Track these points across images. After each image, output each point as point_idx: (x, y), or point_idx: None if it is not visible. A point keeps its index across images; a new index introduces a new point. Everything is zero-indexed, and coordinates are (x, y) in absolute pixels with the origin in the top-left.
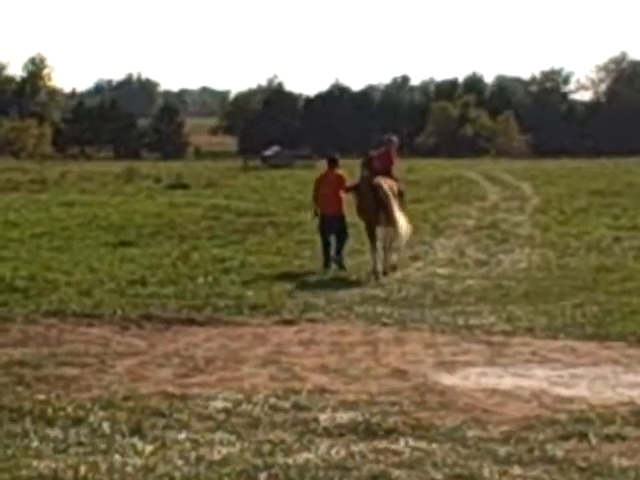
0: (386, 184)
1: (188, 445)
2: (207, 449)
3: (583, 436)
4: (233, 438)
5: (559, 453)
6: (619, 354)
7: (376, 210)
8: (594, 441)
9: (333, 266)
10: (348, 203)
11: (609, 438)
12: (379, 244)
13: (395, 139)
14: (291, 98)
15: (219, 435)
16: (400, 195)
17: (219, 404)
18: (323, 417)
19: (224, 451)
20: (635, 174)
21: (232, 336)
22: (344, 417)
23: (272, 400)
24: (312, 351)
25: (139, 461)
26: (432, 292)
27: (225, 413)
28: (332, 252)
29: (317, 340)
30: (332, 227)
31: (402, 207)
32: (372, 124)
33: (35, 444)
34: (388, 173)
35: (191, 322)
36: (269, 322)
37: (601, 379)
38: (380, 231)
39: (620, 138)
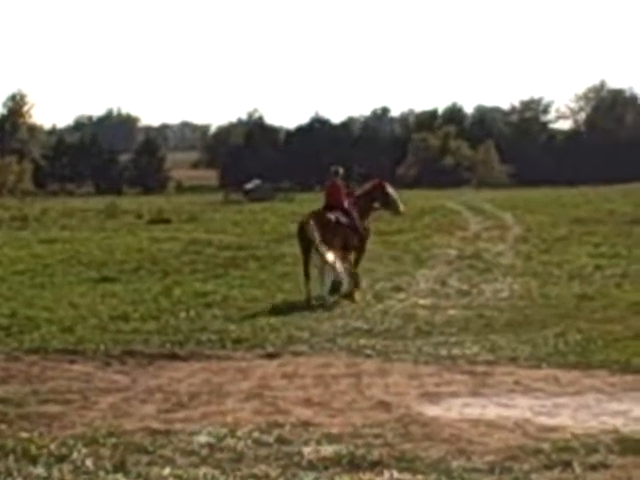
0: (324, 219)
1: None
2: None
3: (567, 465)
4: (217, 473)
5: None
6: (602, 382)
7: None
8: (578, 470)
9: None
10: None
11: (593, 467)
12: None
13: (340, 170)
14: (272, 131)
15: (203, 470)
16: (351, 227)
17: (203, 439)
18: (307, 450)
19: None
20: (615, 202)
21: (215, 370)
22: (328, 450)
23: (256, 434)
24: (296, 384)
25: None
26: (415, 323)
27: (209, 448)
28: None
29: (301, 373)
30: None
31: (344, 240)
32: (353, 156)
33: None
34: (339, 205)
35: (174, 357)
36: (252, 356)
37: (584, 408)
38: (314, 262)
39: (600, 167)
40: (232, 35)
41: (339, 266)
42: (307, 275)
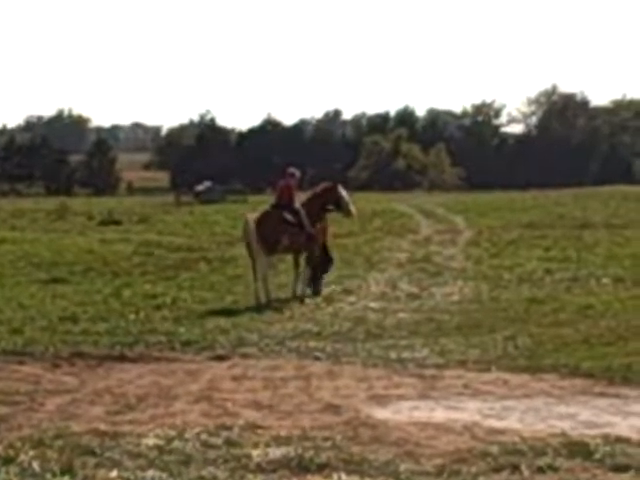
0: (269, 217)
1: None
2: None
3: (515, 468)
4: (165, 475)
5: None
6: (551, 386)
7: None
8: (526, 473)
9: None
10: None
11: (541, 470)
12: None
13: (297, 172)
14: (223, 133)
15: (151, 473)
16: (297, 225)
17: (151, 441)
18: (255, 453)
19: None
20: (566, 206)
21: (164, 372)
22: (277, 453)
23: (204, 436)
24: (245, 387)
25: None
26: (364, 326)
27: (157, 450)
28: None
29: (250, 375)
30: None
31: (291, 239)
32: (304, 158)
33: None
34: (288, 205)
35: (123, 359)
36: (201, 358)
37: (533, 411)
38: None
39: (551, 171)
40: (183, 36)
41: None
42: (255, 275)
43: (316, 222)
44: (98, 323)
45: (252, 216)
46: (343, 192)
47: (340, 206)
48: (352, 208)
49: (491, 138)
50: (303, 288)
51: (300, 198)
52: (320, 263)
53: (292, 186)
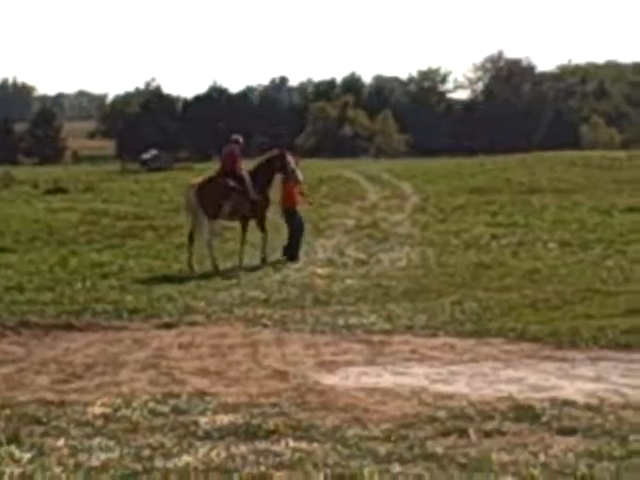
0: (213, 183)
1: (66, 452)
2: (86, 455)
3: (463, 432)
4: (112, 443)
5: (439, 450)
6: (498, 350)
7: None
8: (474, 437)
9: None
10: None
11: (488, 434)
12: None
13: (240, 139)
14: (169, 101)
15: (98, 441)
16: (241, 191)
17: (98, 410)
18: (203, 420)
19: (103, 457)
20: (512, 172)
21: (111, 341)
22: (224, 420)
23: (151, 404)
24: (192, 354)
25: (17, 470)
26: (312, 293)
27: (104, 419)
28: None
29: (197, 343)
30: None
31: (234, 205)
32: (251, 125)
33: None
34: (233, 172)
35: (70, 328)
36: (149, 326)
37: (480, 376)
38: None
39: (498, 136)
40: (128, 3)
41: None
42: (191, 240)
43: (266, 189)
44: (44, 292)
45: (195, 182)
46: (290, 159)
47: (287, 173)
48: (299, 175)
49: (437, 104)
50: (264, 251)
51: (249, 165)
52: (298, 228)
53: (236, 153)
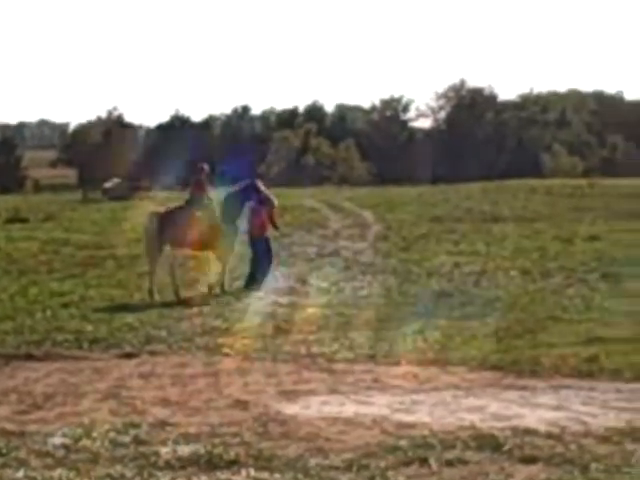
0: (176, 214)
1: None
2: None
3: (424, 461)
4: (72, 474)
5: (401, 479)
6: (460, 379)
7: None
8: (435, 466)
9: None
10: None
11: (450, 463)
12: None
13: (205, 167)
14: (131, 130)
15: (58, 472)
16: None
17: (58, 440)
18: (164, 450)
19: None
20: (474, 200)
21: (72, 371)
22: (185, 450)
23: (112, 434)
24: (153, 384)
25: None
26: (274, 321)
27: (64, 449)
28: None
29: (158, 373)
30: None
31: (200, 234)
32: (214, 154)
33: None
34: (199, 200)
35: (30, 357)
36: (109, 356)
37: (442, 404)
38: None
39: (460, 165)
40: (89, 32)
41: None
42: (152, 271)
43: (236, 218)
44: (4, 322)
45: (156, 211)
46: (262, 187)
47: (261, 201)
48: (274, 200)
49: (400, 133)
50: (221, 281)
51: (219, 195)
52: (264, 256)
53: (203, 181)
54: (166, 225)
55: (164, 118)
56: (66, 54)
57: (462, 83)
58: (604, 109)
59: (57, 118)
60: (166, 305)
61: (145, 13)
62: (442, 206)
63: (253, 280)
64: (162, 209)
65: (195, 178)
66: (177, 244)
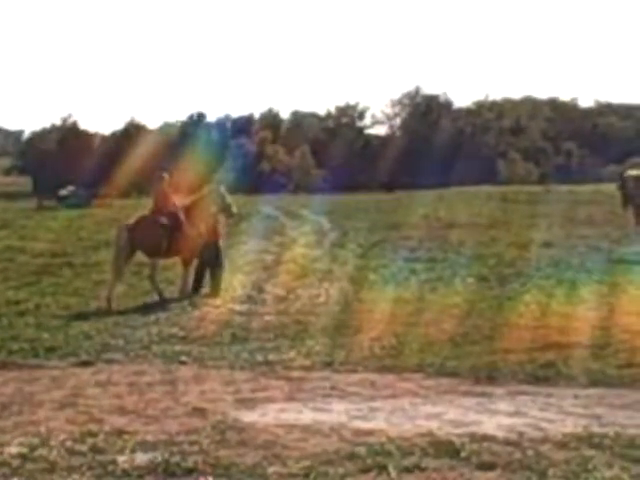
0: (147, 222)
1: None
2: None
3: (382, 469)
4: None
5: None
6: (417, 386)
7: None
8: (393, 473)
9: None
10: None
11: (408, 470)
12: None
13: (165, 175)
14: (86, 137)
15: None
16: (175, 228)
17: (14, 449)
18: (121, 459)
19: None
20: (430, 207)
21: (27, 380)
22: (143, 458)
23: (69, 443)
24: (110, 392)
25: None
26: (231, 329)
27: (21, 458)
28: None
29: (115, 381)
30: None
31: (170, 243)
32: (169, 162)
33: None
34: (166, 209)
35: None
36: (66, 364)
37: (400, 411)
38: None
39: (415, 172)
40: (41, 37)
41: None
42: (114, 281)
43: (200, 224)
44: None
45: (127, 222)
46: (225, 193)
47: (223, 208)
48: (234, 208)
49: (355, 140)
50: (184, 289)
51: (184, 201)
52: (215, 262)
53: (164, 190)
54: (138, 235)
55: (119, 125)
56: (19, 61)
57: (417, 90)
58: (559, 116)
59: (11, 125)
60: (122, 313)
61: (98, 19)
62: (398, 213)
63: (196, 284)
64: (131, 221)
65: (157, 187)
66: (153, 253)
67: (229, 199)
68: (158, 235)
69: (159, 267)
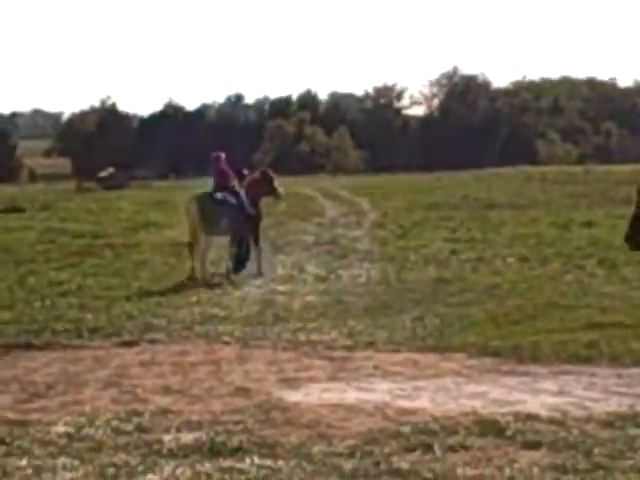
0: (211, 200)
1: (30, 472)
2: (50, 475)
3: (427, 447)
4: (76, 463)
5: (404, 465)
6: (460, 365)
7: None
8: (438, 452)
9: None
10: None
11: (453, 448)
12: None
13: (222, 155)
14: (125, 119)
15: (62, 460)
16: (237, 206)
17: (61, 429)
18: (167, 438)
19: (67, 476)
20: (469, 187)
21: (72, 360)
22: (188, 437)
23: (114, 423)
24: (154, 372)
25: None
26: (273, 309)
27: (67, 438)
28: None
29: (158, 361)
30: None
31: (231, 220)
32: (207, 143)
33: None
34: (227, 186)
35: (29, 347)
36: (109, 344)
37: (443, 390)
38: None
39: (453, 152)
40: (83, 20)
41: (203, 252)
42: (191, 254)
43: (258, 204)
44: (3, 311)
45: (194, 198)
46: (274, 176)
47: (272, 190)
48: (282, 190)
49: (394, 120)
50: (258, 267)
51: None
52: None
53: (224, 168)
54: (202, 211)
55: (158, 107)
56: (59, 44)
57: (455, 70)
58: (597, 96)
59: (50, 107)
60: (163, 294)
61: (139, 2)
62: (437, 193)
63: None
64: (197, 196)
65: (216, 166)
66: (210, 230)
67: (277, 182)
68: (219, 212)
69: (211, 246)
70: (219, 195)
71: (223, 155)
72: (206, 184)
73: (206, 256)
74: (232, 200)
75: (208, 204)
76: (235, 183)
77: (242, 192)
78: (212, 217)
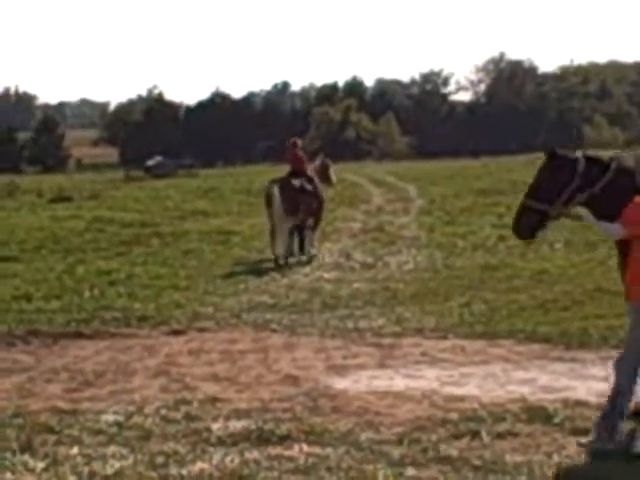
0: (289, 185)
1: (80, 460)
2: (100, 463)
3: (475, 434)
4: (125, 451)
5: (453, 452)
6: (508, 351)
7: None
8: (486, 439)
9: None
10: None
11: (501, 435)
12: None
13: (299, 142)
14: (172, 107)
15: (111, 449)
16: (312, 192)
17: (110, 417)
18: (216, 426)
19: (117, 465)
20: (517, 173)
21: (121, 348)
22: (237, 425)
23: (164, 411)
24: (202, 360)
25: (30, 478)
26: (320, 297)
27: (117, 426)
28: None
29: (207, 349)
30: None
31: (307, 205)
32: (254, 131)
33: None
34: (302, 172)
35: (79, 336)
36: (158, 333)
37: (491, 377)
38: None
39: (500, 138)
40: (129, 10)
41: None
42: (273, 238)
43: (322, 190)
44: (52, 301)
45: (276, 184)
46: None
47: (327, 177)
48: (334, 177)
49: (440, 106)
50: (309, 250)
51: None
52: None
53: (301, 155)
54: (284, 195)
55: (204, 95)
56: (106, 33)
57: (502, 56)
58: None
59: (97, 97)
60: (211, 282)
61: None
62: (485, 179)
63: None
64: (278, 182)
65: (292, 153)
66: (291, 215)
67: (332, 170)
68: (300, 199)
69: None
70: (296, 182)
71: (300, 141)
72: (249, 172)
73: (292, 241)
74: (308, 187)
75: (289, 190)
76: (310, 169)
77: (316, 178)
78: (294, 203)
